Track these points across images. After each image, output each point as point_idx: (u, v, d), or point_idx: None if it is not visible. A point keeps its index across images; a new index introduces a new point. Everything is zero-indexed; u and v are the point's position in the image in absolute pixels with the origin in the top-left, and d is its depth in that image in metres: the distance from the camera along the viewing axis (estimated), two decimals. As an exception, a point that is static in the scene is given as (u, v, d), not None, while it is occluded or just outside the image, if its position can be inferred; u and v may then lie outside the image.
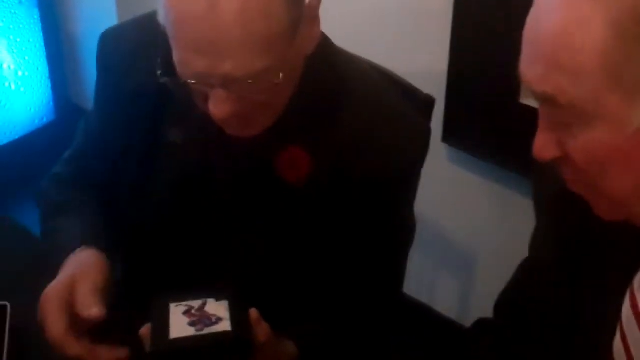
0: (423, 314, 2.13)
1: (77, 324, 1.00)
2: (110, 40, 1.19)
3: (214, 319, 0.92)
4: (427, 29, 1.87)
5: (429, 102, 1.38)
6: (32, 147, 2.93)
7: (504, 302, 1.09)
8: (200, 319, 0.92)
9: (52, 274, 1.05)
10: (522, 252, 1.94)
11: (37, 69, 2.94)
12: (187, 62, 0.93)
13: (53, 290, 1.01)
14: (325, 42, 1.08)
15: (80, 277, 1.03)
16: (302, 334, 1.13)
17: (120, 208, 1.21)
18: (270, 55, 0.92)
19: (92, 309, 0.98)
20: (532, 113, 1.68)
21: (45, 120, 3.02)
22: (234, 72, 0.91)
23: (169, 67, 0.96)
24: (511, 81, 1.69)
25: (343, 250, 1.15)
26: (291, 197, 1.09)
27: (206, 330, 0.90)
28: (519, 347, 1.03)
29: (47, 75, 2.98)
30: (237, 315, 0.93)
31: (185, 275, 1.21)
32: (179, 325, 0.92)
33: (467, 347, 1.11)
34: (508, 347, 1.04)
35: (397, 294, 1.27)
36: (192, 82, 0.94)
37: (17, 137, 2.93)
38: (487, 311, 2.11)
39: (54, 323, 0.97)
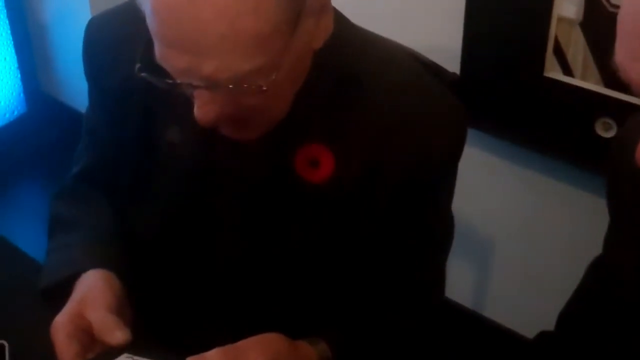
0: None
1: (92, 350, 0.93)
2: (95, 29, 1.08)
3: None
4: (438, 2, 1.74)
5: (455, 80, 1.26)
6: (4, 142, 2.85)
7: (571, 313, 0.98)
8: None
9: (57, 300, 0.97)
10: (542, 237, 1.88)
11: (5, 59, 2.84)
12: (166, 58, 0.83)
13: (62, 318, 0.93)
14: (340, 25, 0.97)
15: (90, 300, 0.95)
16: (338, 337, 1.03)
17: (122, 216, 1.11)
18: (260, 55, 0.81)
19: (115, 333, 0.91)
20: (558, 87, 1.61)
21: (16, 113, 2.94)
22: (217, 74, 0.81)
23: (150, 61, 0.86)
24: (534, 53, 1.62)
25: (378, 253, 1.05)
26: (314, 199, 0.98)
27: None
28: None
29: (16, 65, 2.90)
30: None
31: (197, 296, 1.11)
32: None
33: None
34: None
35: (440, 298, 1.16)
36: (173, 81, 0.84)
37: (-14, 133, 2.85)
38: (504, 299, 2.04)
39: (64, 351, 0.90)
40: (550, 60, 1.57)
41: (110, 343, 0.90)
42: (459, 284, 2.05)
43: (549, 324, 1.36)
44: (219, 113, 0.85)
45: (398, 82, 0.99)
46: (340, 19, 0.98)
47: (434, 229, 1.07)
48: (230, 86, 0.82)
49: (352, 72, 0.97)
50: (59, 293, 0.99)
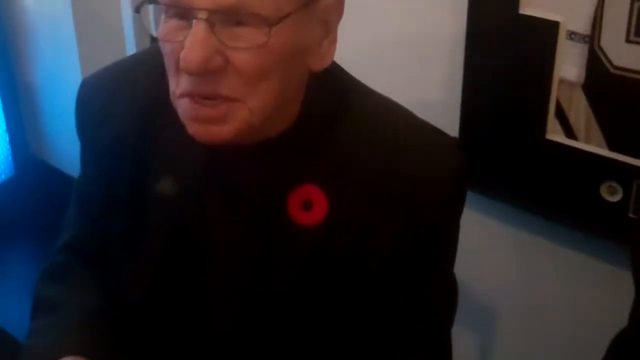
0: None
1: None
2: (88, 88, 1.07)
3: None
4: (435, 63, 1.72)
5: (458, 144, 1.22)
6: None
7: None
8: None
9: None
10: (549, 306, 1.81)
11: (-7, 121, 2.79)
12: None
13: None
14: (336, 69, 0.98)
15: None
16: None
17: (111, 281, 1.06)
18: None
19: None
20: (561, 150, 1.57)
21: (3, 176, 2.89)
22: None
23: None
24: (535, 115, 1.58)
25: (375, 313, 0.99)
26: (306, 244, 0.95)
27: None
28: None
29: (4, 128, 2.87)
30: None
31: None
32: None
33: None
34: None
35: None
36: (171, 5, 0.83)
37: (-26, 196, 2.79)
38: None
39: None
40: (552, 122, 1.53)
41: None
42: (462, 352, 1.98)
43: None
44: (207, 57, 0.81)
45: (395, 128, 0.97)
46: (337, 65, 0.97)
47: (436, 291, 1.02)
48: (239, 13, 0.80)
49: (348, 114, 0.96)
50: None
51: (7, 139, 2.86)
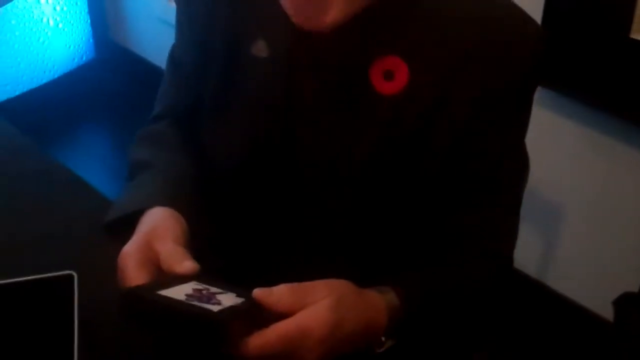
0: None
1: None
2: None
3: (213, 301, 0.83)
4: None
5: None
6: (72, 87, 2.91)
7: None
8: (202, 297, 0.83)
9: (120, 235, 0.95)
10: (615, 208, 1.81)
11: (76, 4, 2.84)
12: None
13: (130, 247, 0.90)
14: None
15: (158, 232, 0.93)
16: (407, 286, 0.98)
17: (201, 142, 1.11)
18: None
19: (183, 263, 0.88)
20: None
21: (84, 58, 2.95)
22: None
23: None
24: (621, 12, 1.55)
25: (447, 180, 1.01)
26: (386, 112, 0.98)
27: (194, 303, 0.81)
28: None
29: (86, 10, 2.89)
30: (239, 311, 0.83)
31: (267, 231, 1.10)
32: (178, 291, 0.83)
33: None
34: None
35: (511, 248, 1.11)
36: None
37: (56, 76, 2.89)
38: (570, 270, 1.99)
39: (133, 279, 0.87)
40: (638, 21, 1.50)
41: (179, 273, 0.88)
42: (524, 252, 2.00)
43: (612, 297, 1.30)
44: None
45: (479, 5, 0.98)
46: None
47: (509, 159, 1.03)
48: None
49: None
50: (123, 227, 0.98)
51: (89, 22, 2.92)
